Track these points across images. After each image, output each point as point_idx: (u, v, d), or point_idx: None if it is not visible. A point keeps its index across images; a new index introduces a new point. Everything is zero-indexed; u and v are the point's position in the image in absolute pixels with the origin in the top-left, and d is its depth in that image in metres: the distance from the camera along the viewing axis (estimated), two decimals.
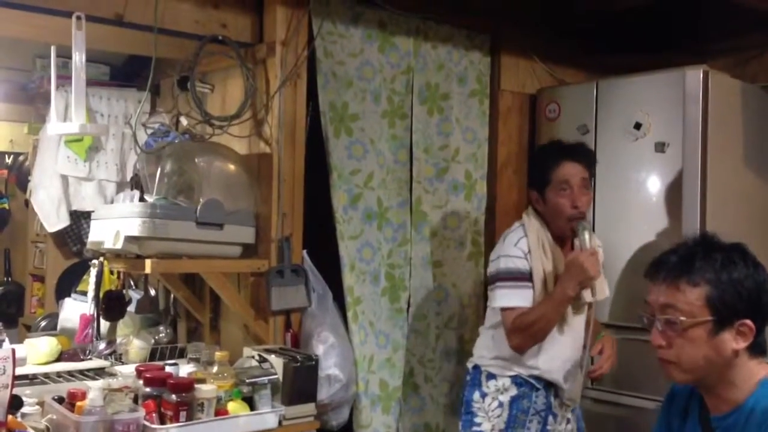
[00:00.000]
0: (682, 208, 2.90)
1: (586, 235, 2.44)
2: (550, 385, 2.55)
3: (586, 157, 2.58)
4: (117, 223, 2.46)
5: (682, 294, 1.50)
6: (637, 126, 3.03)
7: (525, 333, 2.42)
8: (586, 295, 2.46)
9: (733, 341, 1.49)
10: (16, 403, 1.92)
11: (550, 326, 2.43)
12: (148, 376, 2.12)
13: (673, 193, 2.93)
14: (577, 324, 2.55)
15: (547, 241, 2.51)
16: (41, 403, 2.09)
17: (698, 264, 1.50)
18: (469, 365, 2.65)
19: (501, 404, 2.51)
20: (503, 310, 2.47)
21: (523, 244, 2.48)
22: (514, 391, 2.52)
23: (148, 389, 2.11)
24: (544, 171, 2.53)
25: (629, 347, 3.05)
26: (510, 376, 2.53)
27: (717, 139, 2.93)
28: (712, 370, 1.51)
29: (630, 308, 3.07)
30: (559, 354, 2.52)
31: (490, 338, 2.59)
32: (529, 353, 2.49)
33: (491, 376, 2.55)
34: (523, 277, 2.46)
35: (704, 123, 2.90)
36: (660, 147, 2.97)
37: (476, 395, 2.56)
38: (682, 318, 1.49)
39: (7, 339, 2.45)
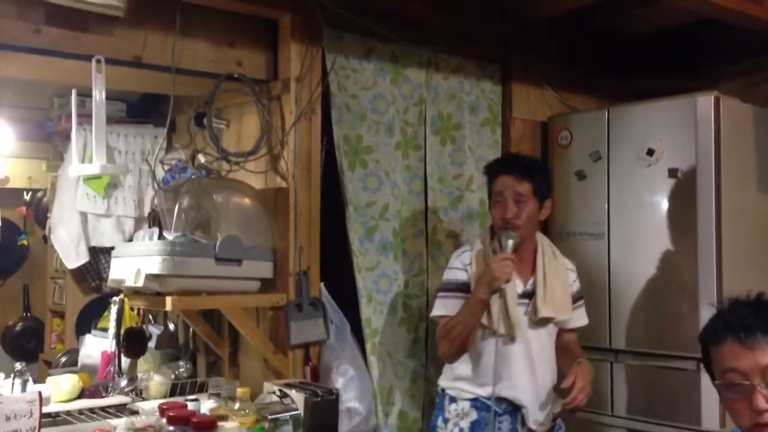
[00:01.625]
0: (697, 233, 2.91)
1: (509, 244, 2.39)
2: (516, 410, 2.46)
3: (520, 169, 2.50)
4: (138, 261, 2.49)
5: None
6: (650, 152, 3.04)
7: (446, 338, 2.46)
8: (513, 314, 2.40)
9: None
10: None
11: (467, 330, 2.41)
12: (171, 414, 2.13)
13: (688, 219, 2.94)
14: (535, 345, 2.48)
15: (493, 253, 2.47)
16: None
17: None
18: (439, 388, 2.64)
19: (462, 430, 2.47)
20: (436, 319, 2.54)
21: (465, 257, 2.54)
22: (474, 416, 2.46)
23: (171, 428, 2.11)
24: (489, 184, 2.57)
25: (641, 373, 3.05)
26: (469, 399, 2.48)
27: (730, 163, 2.95)
28: None
29: (645, 334, 3.06)
30: (516, 370, 2.45)
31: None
32: (481, 372, 2.44)
33: (452, 400, 2.53)
34: (457, 288, 2.50)
35: (717, 148, 2.92)
36: (673, 173, 2.98)
37: (440, 420, 2.54)
38: None
39: (31, 379, 2.47)
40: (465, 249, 2.59)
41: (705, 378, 2.78)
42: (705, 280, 2.88)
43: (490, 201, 2.56)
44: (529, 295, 2.50)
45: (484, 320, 2.43)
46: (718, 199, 2.90)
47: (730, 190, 2.94)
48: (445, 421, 2.52)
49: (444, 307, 2.51)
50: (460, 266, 2.53)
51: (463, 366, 2.51)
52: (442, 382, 2.60)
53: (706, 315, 2.80)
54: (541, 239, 2.60)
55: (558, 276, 2.53)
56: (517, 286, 2.47)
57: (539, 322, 2.49)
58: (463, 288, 2.49)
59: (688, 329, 2.89)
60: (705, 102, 2.93)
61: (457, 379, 2.53)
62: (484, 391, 2.47)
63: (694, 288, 2.90)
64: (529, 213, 2.48)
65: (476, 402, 2.48)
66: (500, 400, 2.46)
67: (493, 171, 2.57)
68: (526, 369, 2.48)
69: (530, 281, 2.51)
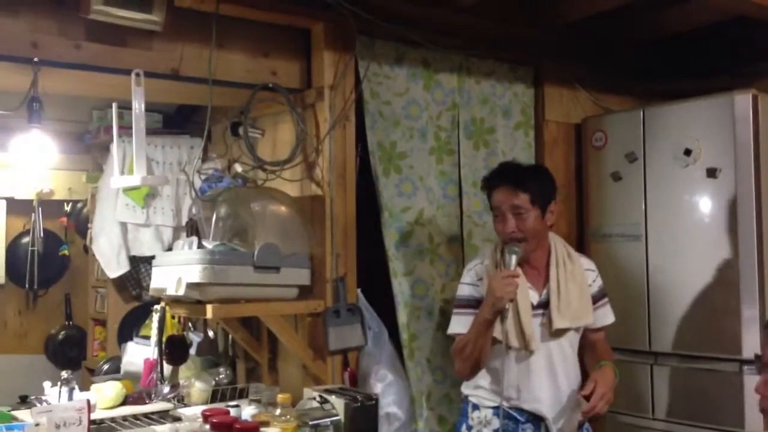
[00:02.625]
0: (737, 232, 2.87)
1: (513, 259, 2.32)
2: (539, 419, 2.41)
3: (514, 180, 2.41)
4: (178, 270, 2.53)
5: None
6: (687, 152, 3.01)
7: (459, 357, 2.42)
8: (526, 323, 2.34)
9: None
10: None
11: (479, 349, 2.34)
12: (215, 421, 2.17)
13: (728, 218, 2.91)
14: (556, 356, 2.42)
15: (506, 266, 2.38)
16: None
17: None
18: (462, 393, 2.60)
19: None
20: (452, 336, 2.49)
21: (478, 270, 2.47)
22: (496, 425, 2.41)
23: None
24: (488, 199, 2.51)
25: (683, 375, 3.02)
26: (492, 407, 2.43)
27: None
28: None
29: (685, 335, 3.03)
30: (538, 383, 2.40)
31: None
32: (505, 385, 2.37)
33: (475, 407, 2.49)
34: (469, 304, 2.44)
35: (755, 146, 2.88)
36: (712, 172, 2.95)
37: (463, 427, 2.51)
38: None
39: (77, 387, 2.53)
40: (476, 262, 2.52)
41: (748, 380, 2.75)
42: (746, 281, 2.84)
43: (492, 212, 2.48)
44: (545, 305, 2.41)
45: (498, 334, 2.34)
46: (758, 198, 2.86)
47: None
48: (469, 428, 2.50)
49: (457, 324, 2.46)
50: (471, 281, 2.47)
51: (483, 376, 2.46)
52: (465, 389, 2.56)
53: (748, 316, 2.80)
54: (555, 243, 2.50)
55: (575, 279, 2.45)
56: (531, 297, 2.40)
57: (557, 333, 2.41)
58: (475, 304, 2.42)
59: (730, 331, 2.85)
60: (743, 100, 2.89)
61: (478, 388, 2.49)
62: (505, 402, 2.41)
63: (735, 289, 2.86)
64: (532, 223, 2.38)
65: (498, 410, 2.41)
66: (522, 411, 2.41)
67: (488, 185, 2.48)
68: (548, 380, 2.41)
69: (544, 291, 2.43)
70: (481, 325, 2.33)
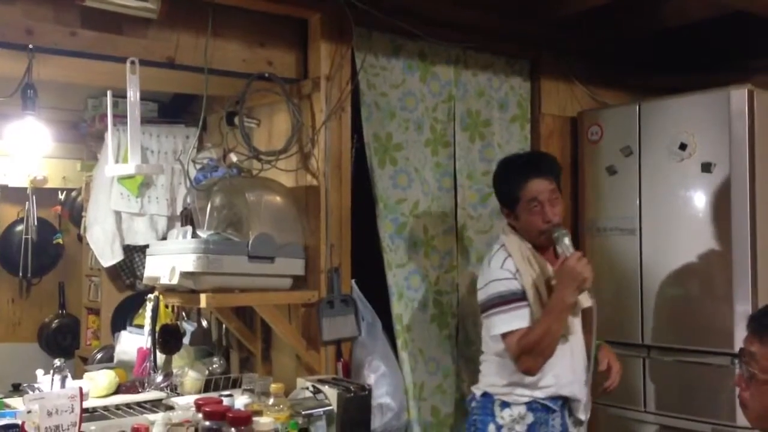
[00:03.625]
0: (731, 227, 2.88)
1: (566, 241, 2.37)
2: (565, 404, 2.45)
3: (551, 169, 2.49)
4: (172, 259, 2.53)
5: (764, 348, 1.54)
6: (683, 146, 3.02)
7: (533, 353, 2.31)
8: (584, 299, 2.39)
9: None
10: None
11: (555, 339, 2.33)
12: (207, 410, 2.16)
13: (722, 213, 2.91)
14: (576, 333, 2.46)
15: (530, 253, 2.43)
16: None
17: None
18: (477, 392, 2.52)
19: None
20: (505, 336, 2.36)
21: (510, 265, 2.39)
22: (530, 419, 2.41)
23: (207, 423, 2.14)
24: (510, 189, 2.46)
25: (675, 368, 3.03)
26: (526, 403, 2.42)
27: (764, 156, 2.91)
28: None
29: (678, 329, 3.04)
30: (569, 366, 2.42)
31: (499, 366, 2.46)
32: (543, 375, 2.38)
33: (505, 405, 2.43)
34: (517, 297, 2.36)
35: (751, 141, 2.89)
36: (706, 167, 2.95)
37: (491, 427, 2.44)
38: (757, 372, 1.54)
39: (69, 375, 2.52)
40: (504, 257, 2.42)
41: None
42: (739, 276, 2.85)
43: (516, 207, 2.44)
44: None
45: None
46: (753, 193, 2.86)
47: (765, 184, 2.90)
48: (499, 427, 2.43)
49: (516, 320, 2.34)
50: (510, 275, 2.38)
51: (513, 373, 2.41)
52: (489, 389, 2.48)
53: (741, 310, 2.81)
54: None
55: None
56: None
57: (576, 313, 2.45)
58: (521, 297, 2.36)
59: (722, 324, 2.86)
60: (738, 95, 2.89)
61: (511, 385, 2.44)
62: (542, 393, 2.41)
63: (728, 283, 2.87)
64: (562, 208, 2.46)
65: (532, 404, 2.41)
66: (557, 398, 2.42)
67: (520, 174, 2.45)
68: (577, 362, 2.45)
69: None
70: (563, 311, 2.31)
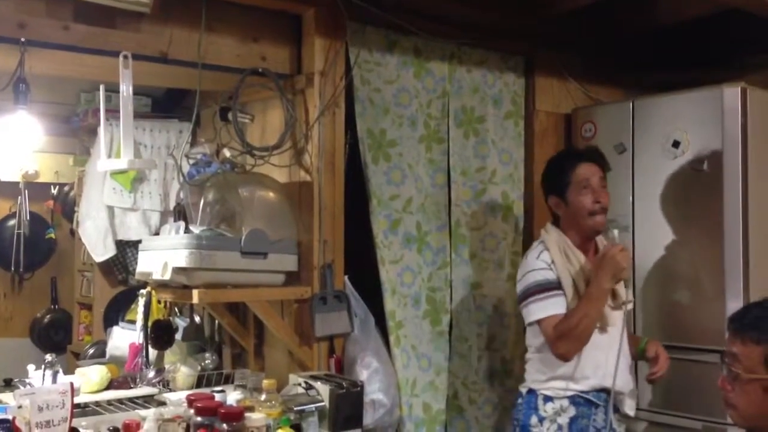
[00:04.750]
0: (723, 225, 2.88)
1: (616, 233, 2.52)
2: (608, 399, 2.51)
3: (600, 158, 2.67)
4: (165, 254, 2.52)
5: (746, 348, 1.56)
6: (676, 144, 3.02)
7: (569, 337, 2.41)
8: (621, 290, 2.51)
9: None
10: None
11: (592, 325, 2.43)
12: (199, 405, 2.16)
13: (714, 211, 2.91)
14: (617, 326, 2.54)
15: (569, 249, 2.54)
16: None
17: None
18: (523, 389, 2.62)
19: (560, 427, 2.48)
20: (541, 322, 2.47)
21: (546, 256, 2.52)
22: (572, 412, 2.49)
23: (199, 418, 2.14)
24: (563, 174, 2.59)
25: (674, 366, 3.03)
26: (568, 397, 2.50)
27: (757, 154, 2.92)
28: None
29: (668, 327, 3.05)
30: (609, 358, 2.49)
31: (539, 361, 2.57)
32: (582, 367, 2.47)
33: (548, 399, 2.52)
34: (552, 286, 2.48)
35: (744, 140, 2.89)
36: (699, 165, 2.95)
37: (533, 419, 2.53)
38: (741, 372, 1.55)
39: (61, 370, 2.52)
40: (541, 249, 2.56)
41: None
42: (731, 273, 2.85)
43: (566, 191, 2.56)
44: None
45: None
46: (745, 191, 2.87)
47: (757, 182, 2.90)
48: (541, 419, 2.51)
49: (551, 307, 2.46)
50: (545, 266, 2.50)
51: (559, 365, 2.49)
52: (532, 384, 2.57)
53: (732, 307, 2.81)
54: None
55: None
56: None
57: (618, 307, 2.54)
58: (557, 286, 2.48)
59: (713, 322, 2.87)
60: (732, 93, 2.90)
61: (552, 379, 2.52)
62: (583, 386, 2.49)
63: (720, 281, 2.88)
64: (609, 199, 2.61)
65: (575, 398, 2.50)
66: (600, 391, 2.50)
67: (569, 160, 2.61)
68: (620, 356, 2.50)
69: None
70: (600, 297, 2.43)
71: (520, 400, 2.62)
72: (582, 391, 2.50)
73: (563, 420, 2.49)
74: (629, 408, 2.58)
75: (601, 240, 2.66)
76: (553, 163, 2.70)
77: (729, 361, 1.59)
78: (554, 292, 2.47)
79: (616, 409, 2.56)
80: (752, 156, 2.89)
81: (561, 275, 2.49)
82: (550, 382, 2.53)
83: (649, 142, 3.12)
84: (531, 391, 2.58)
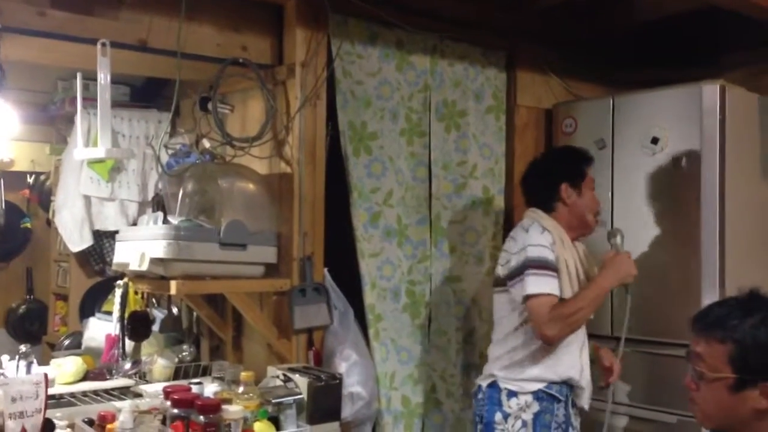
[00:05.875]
0: (700, 222, 2.90)
1: (619, 240, 2.59)
2: (570, 394, 2.57)
3: None
4: (142, 245, 2.50)
5: (710, 348, 1.56)
6: (654, 141, 3.04)
7: (564, 323, 2.40)
8: None
9: (756, 400, 1.52)
10: (48, 427, 1.95)
11: (585, 318, 2.47)
12: (175, 397, 2.14)
13: (691, 208, 2.94)
14: (585, 327, 2.61)
15: (565, 238, 2.56)
16: (72, 426, 2.12)
17: (732, 322, 1.55)
18: (483, 383, 2.61)
19: (524, 423, 2.50)
20: (534, 297, 2.41)
21: (548, 236, 2.49)
22: (536, 408, 2.51)
23: (176, 411, 2.13)
24: (580, 166, 2.63)
25: (644, 361, 3.06)
26: (532, 392, 2.51)
27: (734, 152, 2.94)
28: (734, 422, 1.56)
29: (645, 322, 3.07)
30: (581, 355, 2.58)
31: (510, 347, 2.55)
32: (559, 357, 2.50)
33: (512, 394, 2.53)
34: (552, 267, 2.45)
35: (722, 137, 2.91)
36: (677, 161, 2.98)
37: (498, 416, 2.53)
38: (705, 371, 1.56)
39: (35, 361, 2.48)
40: (540, 228, 2.50)
41: None
42: (708, 269, 2.88)
43: (581, 182, 2.60)
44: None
45: None
46: (722, 188, 2.89)
47: (735, 180, 2.93)
48: (506, 416, 2.52)
49: (545, 285, 2.42)
50: (547, 245, 2.47)
51: (538, 354, 2.50)
52: (499, 372, 2.55)
53: (708, 303, 2.84)
54: None
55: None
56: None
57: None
58: (553, 267, 2.45)
59: (690, 317, 2.89)
60: (710, 91, 2.92)
61: (523, 366, 2.52)
62: (555, 376, 2.51)
63: (697, 277, 2.90)
64: None
65: (538, 393, 2.51)
66: (562, 385, 2.53)
67: (586, 157, 2.66)
68: (585, 354, 2.59)
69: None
70: (599, 296, 2.48)
71: (480, 395, 2.60)
72: (551, 382, 2.51)
73: (527, 416, 2.50)
74: (585, 402, 2.62)
75: (579, 245, 2.66)
76: (571, 155, 2.71)
77: (693, 361, 1.60)
78: (552, 273, 2.44)
79: (573, 404, 2.60)
80: (730, 153, 2.92)
81: (560, 258, 2.47)
82: (518, 370, 2.51)
83: (629, 138, 3.14)
84: (492, 385, 2.56)
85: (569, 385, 2.56)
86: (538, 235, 2.48)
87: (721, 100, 2.91)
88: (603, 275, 2.50)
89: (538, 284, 2.42)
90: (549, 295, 2.41)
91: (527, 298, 2.43)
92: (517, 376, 2.53)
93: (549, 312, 2.40)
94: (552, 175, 2.63)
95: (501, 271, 2.59)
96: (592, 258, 2.69)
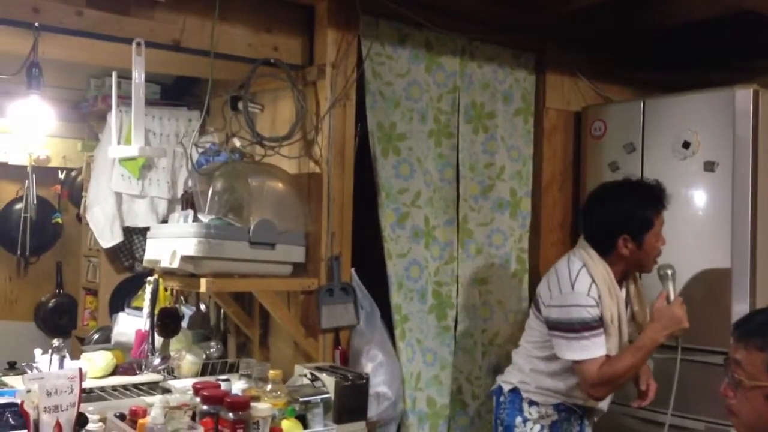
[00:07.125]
0: (732, 227, 2.88)
1: (671, 285, 2.45)
2: (586, 410, 2.59)
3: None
4: (173, 242, 2.53)
5: (749, 355, 1.54)
6: (686, 145, 3.01)
7: (612, 384, 2.37)
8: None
9: None
10: (81, 420, 1.98)
11: (635, 374, 2.45)
12: (205, 394, 2.17)
13: (723, 213, 2.91)
14: None
15: (612, 285, 2.43)
16: (103, 420, 2.15)
17: None
18: (504, 386, 2.60)
19: (543, 427, 2.53)
20: (583, 363, 2.36)
21: (594, 292, 2.38)
22: (555, 417, 2.54)
23: (205, 407, 2.15)
24: (647, 219, 2.44)
25: (673, 367, 3.03)
26: (554, 404, 2.53)
27: (767, 157, 2.91)
28: None
29: None
30: None
31: (535, 371, 2.53)
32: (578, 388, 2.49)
33: (533, 404, 2.54)
34: (597, 324, 2.37)
35: (754, 142, 2.88)
36: (709, 166, 2.95)
37: (518, 420, 2.54)
38: (743, 378, 1.54)
39: (68, 355, 2.52)
40: (588, 280, 2.39)
41: None
42: (739, 276, 2.85)
43: (646, 233, 2.43)
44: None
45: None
46: (755, 193, 2.86)
47: (767, 185, 2.90)
48: (525, 420, 2.54)
49: (595, 348, 2.35)
50: (594, 303, 2.37)
51: (554, 381, 2.50)
52: (520, 386, 2.55)
53: (739, 310, 2.81)
54: None
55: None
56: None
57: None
58: (601, 323, 2.38)
59: (720, 324, 2.86)
60: (744, 95, 2.89)
61: (546, 390, 2.52)
62: (573, 401, 2.52)
63: (728, 283, 2.87)
64: None
65: (559, 406, 2.53)
66: (583, 406, 2.55)
67: (655, 203, 2.47)
68: None
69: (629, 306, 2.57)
70: (650, 351, 2.38)
71: (502, 398, 2.60)
72: (568, 402, 2.53)
73: (546, 422, 2.54)
74: (598, 414, 2.64)
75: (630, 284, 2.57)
76: (640, 199, 2.48)
77: (732, 368, 1.58)
78: (598, 331, 2.37)
79: (591, 415, 2.63)
80: (762, 158, 2.89)
81: (605, 312, 2.38)
82: (541, 390, 2.52)
83: (659, 142, 3.11)
84: (515, 391, 2.56)
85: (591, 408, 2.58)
86: (584, 296, 2.37)
87: (754, 104, 2.88)
88: (653, 328, 2.38)
89: (585, 349, 2.36)
90: (597, 358, 2.35)
91: (577, 362, 2.39)
92: (540, 388, 2.53)
93: (598, 372, 2.35)
94: (612, 225, 2.44)
95: (542, 308, 2.49)
96: (644, 297, 2.59)
